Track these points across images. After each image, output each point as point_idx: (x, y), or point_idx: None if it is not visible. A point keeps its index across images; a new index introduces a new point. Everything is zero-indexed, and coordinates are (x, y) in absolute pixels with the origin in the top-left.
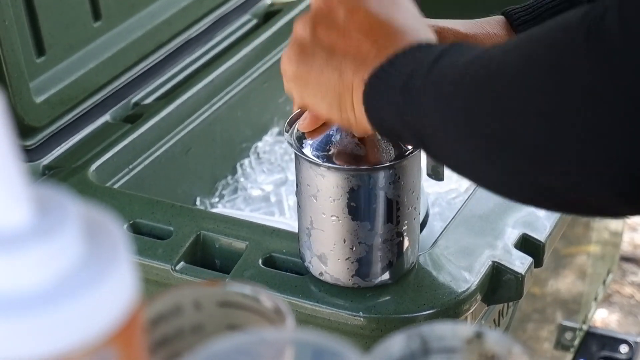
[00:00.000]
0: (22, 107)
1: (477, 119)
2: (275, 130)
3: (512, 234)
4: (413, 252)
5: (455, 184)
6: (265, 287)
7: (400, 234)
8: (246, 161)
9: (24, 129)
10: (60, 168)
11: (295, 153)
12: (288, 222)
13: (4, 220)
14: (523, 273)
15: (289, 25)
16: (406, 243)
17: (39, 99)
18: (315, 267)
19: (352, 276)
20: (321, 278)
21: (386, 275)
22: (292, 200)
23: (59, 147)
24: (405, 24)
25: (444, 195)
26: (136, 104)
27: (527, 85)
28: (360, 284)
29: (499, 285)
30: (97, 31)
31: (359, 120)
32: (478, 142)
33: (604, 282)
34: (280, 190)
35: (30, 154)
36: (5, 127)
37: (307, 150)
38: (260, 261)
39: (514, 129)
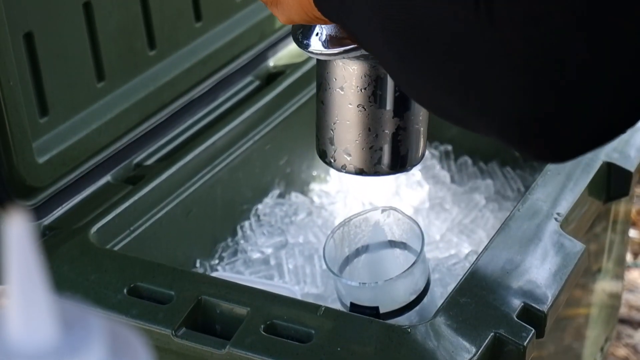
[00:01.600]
0: (24, 167)
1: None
2: (276, 192)
3: (513, 304)
4: (424, 143)
5: (454, 249)
6: (267, 355)
7: (417, 122)
8: (246, 223)
9: (25, 189)
10: (60, 229)
11: (315, 53)
12: (288, 286)
13: (29, 338)
14: (525, 344)
15: (292, 87)
16: (422, 132)
17: (41, 159)
18: (339, 160)
19: (375, 165)
20: (344, 171)
21: (405, 163)
22: (291, 263)
23: (60, 208)
24: None
25: (444, 261)
26: (138, 165)
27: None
28: (382, 172)
29: (500, 357)
30: (100, 91)
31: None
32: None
33: (602, 349)
34: (280, 253)
35: (31, 214)
36: (29, 244)
37: (316, 44)
38: (261, 328)
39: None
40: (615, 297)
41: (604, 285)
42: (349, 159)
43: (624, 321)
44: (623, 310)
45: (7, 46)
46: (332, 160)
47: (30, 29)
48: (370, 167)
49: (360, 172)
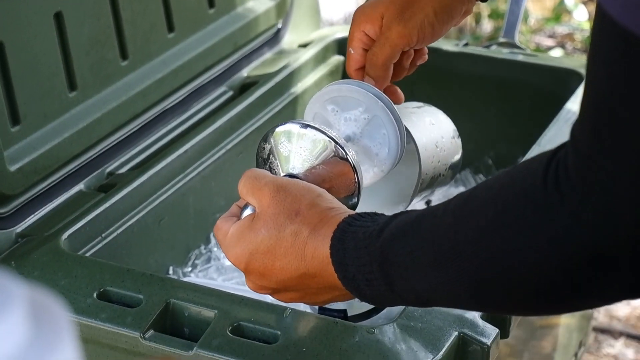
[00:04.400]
0: None
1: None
2: None
3: None
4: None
5: None
6: (233, 356)
7: None
8: None
9: None
10: (33, 236)
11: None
12: None
13: None
14: (489, 344)
15: (265, 97)
16: None
17: (13, 168)
18: None
19: None
20: None
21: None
22: None
23: (32, 215)
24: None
25: None
26: (111, 174)
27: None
28: None
29: (465, 357)
30: (72, 101)
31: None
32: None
33: (576, 354)
34: None
35: (3, 221)
36: None
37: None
38: (228, 330)
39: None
40: None
41: None
42: None
43: (605, 331)
44: (603, 320)
45: None
46: None
47: (1, 39)
48: None
49: None
